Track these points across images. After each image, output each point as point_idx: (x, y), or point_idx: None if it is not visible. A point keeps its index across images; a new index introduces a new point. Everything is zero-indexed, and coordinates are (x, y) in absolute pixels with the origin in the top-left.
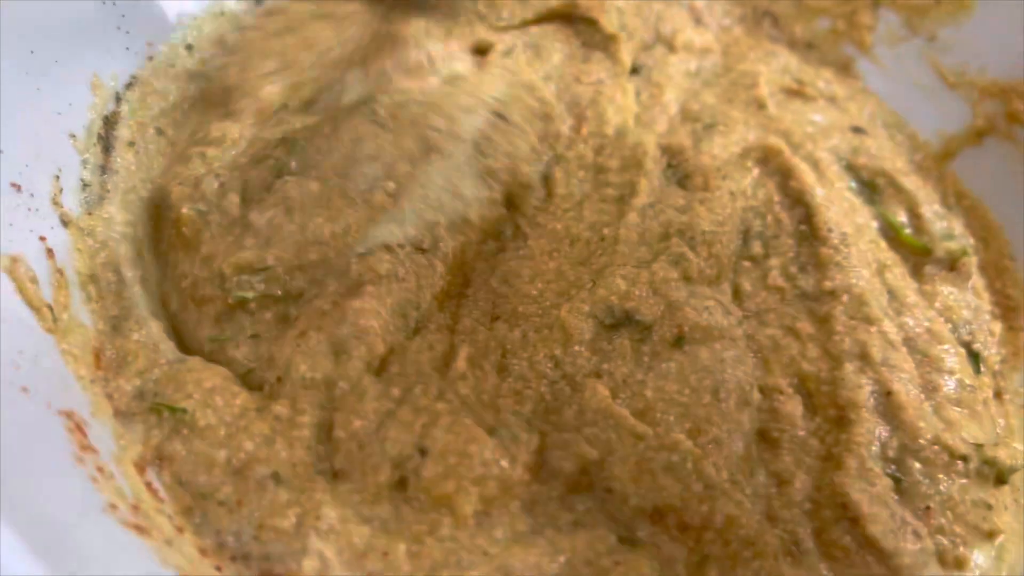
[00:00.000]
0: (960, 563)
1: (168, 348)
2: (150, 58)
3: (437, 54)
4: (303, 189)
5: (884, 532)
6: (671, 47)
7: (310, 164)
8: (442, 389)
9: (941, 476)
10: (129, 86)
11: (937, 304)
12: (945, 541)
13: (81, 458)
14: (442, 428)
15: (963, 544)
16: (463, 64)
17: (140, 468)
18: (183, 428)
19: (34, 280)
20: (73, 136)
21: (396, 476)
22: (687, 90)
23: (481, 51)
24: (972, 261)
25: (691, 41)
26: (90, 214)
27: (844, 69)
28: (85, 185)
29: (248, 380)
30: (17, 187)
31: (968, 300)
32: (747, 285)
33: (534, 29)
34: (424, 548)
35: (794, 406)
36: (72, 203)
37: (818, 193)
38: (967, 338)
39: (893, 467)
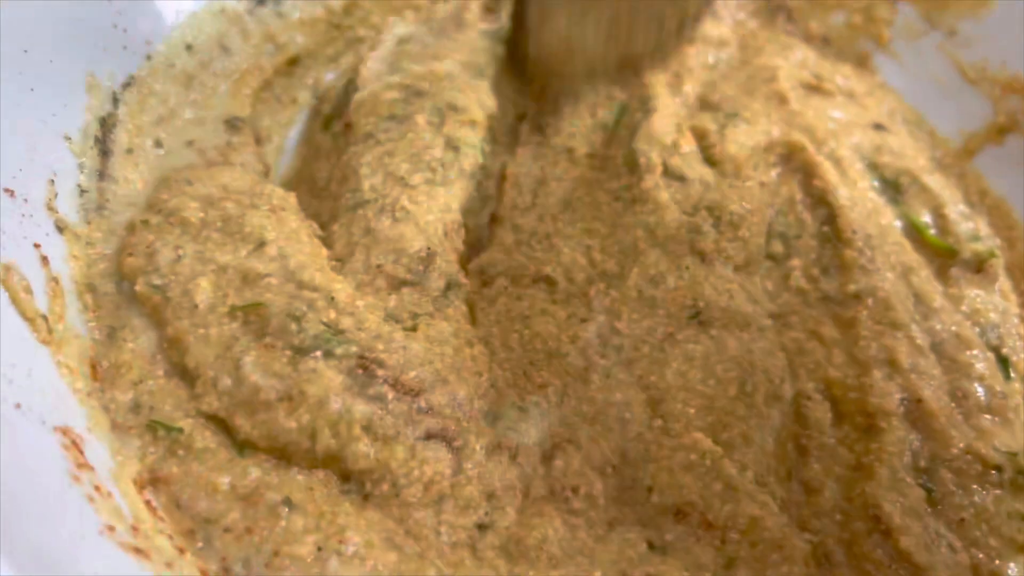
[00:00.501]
0: None
1: (164, 359)
2: (148, 57)
3: None
4: None
5: (917, 545)
6: (689, 39)
7: None
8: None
9: (975, 487)
10: (127, 86)
11: (964, 308)
12: (980, 555)
13: (78, 476)
14: None
15: (999, 557)
16: None
17: (139, 485)
18: (179, 449)
19: (28, 289)
20: (68, 138)
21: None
22: (706, 82)
23: None
24: (999, 263)
25: (708, 33)
26: (89, 223)
27: (861, 64)
28: (83, 191)
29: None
30: (11, 192)
31: (996, 303)
32: (769, 285)
33: None
34: (455, 573)
35: (823, 412)
36: (68, 208)
37: (841, 193)
38: (995, 342)
39: (925, 478)
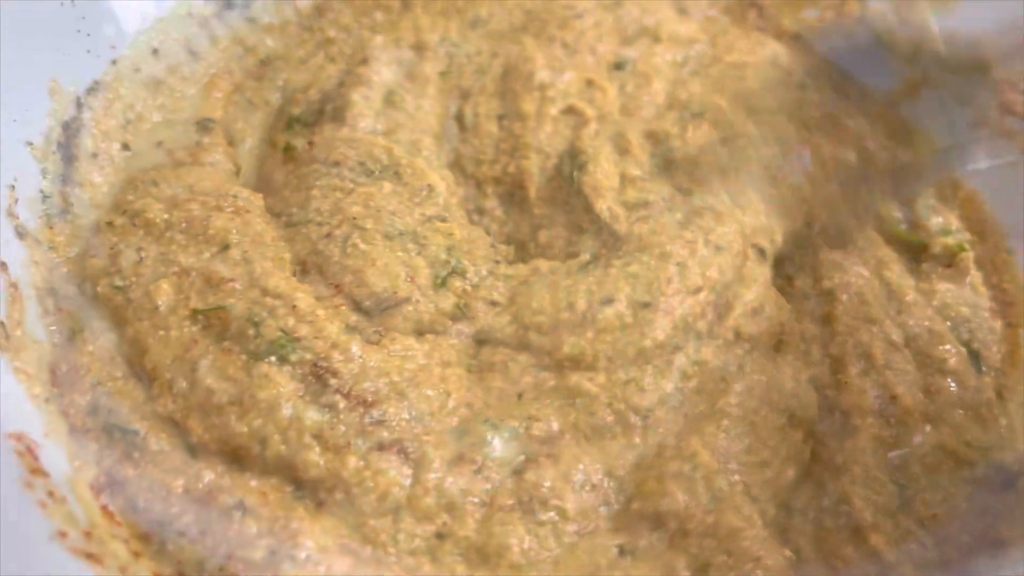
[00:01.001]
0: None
1: (123, 360)
2: (113, 62)
3: None
4: None
5: (887, 543)
6: (656, 38)
7: None
8: None
9: (946, 483)
10: (91, 91)
11: (935, 302)
12: (951, 551)
13: (30, 483)
14: None
15: (970, 553)
16: None
17: (96, 489)
18: (135, 451)
19: None
20: (30, 144)
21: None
22: (674, 80)
23: None
24: (969, 257)
25: (676, 32)
26: (51, 227)
27: None
28: (45, 196)
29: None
30: None
31: (966, 297)
32: None
33: None
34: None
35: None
36: (29, 214)
37: None
38: (966, 337)
39: (898, 474)
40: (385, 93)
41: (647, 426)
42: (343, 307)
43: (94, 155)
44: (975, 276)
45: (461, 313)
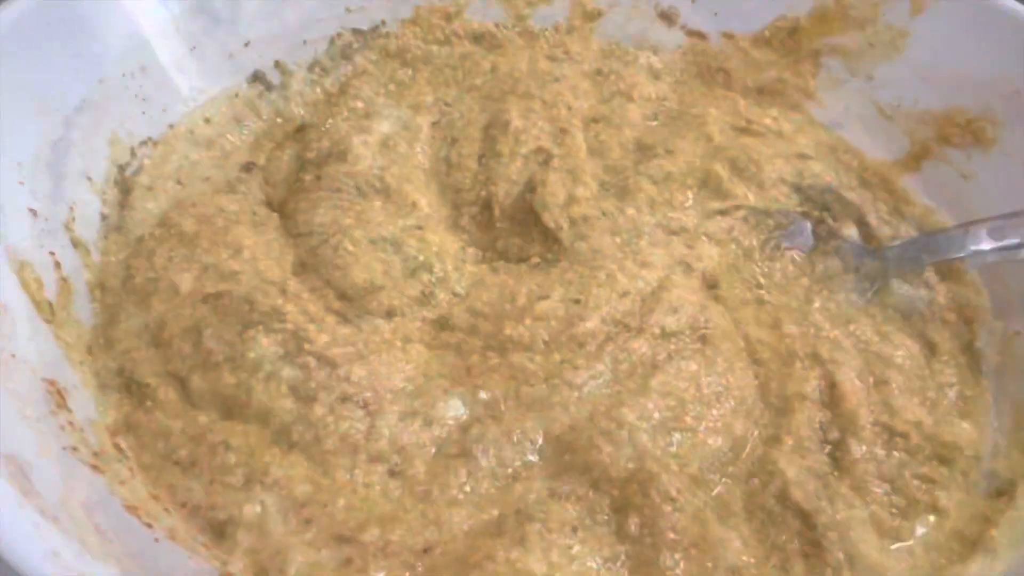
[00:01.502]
0: (898, 533)
1: (148, 335)
2: (171, 126)
3: None
4: None
5: (806, 495)
6: (629, 98)
7: None
8: None
9: (880, 452)
10: (144, 143)
11: (891, 300)
12: (882, 512)
13: (55, 412)
14: None
15: (902, 516)
16: None
17: (112, 433)
18: (147, 400)
19: (38, 281)
20: (90, 179)
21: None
22: (644, 129)
23: None
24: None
25: (648, 92)
26: (107, 238)
27: (793, 109)
28: (104, 216)
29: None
30: (34, 212)
31: (921, 294)
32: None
33: None
34: (365, 505)
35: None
36: (86, 230)
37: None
38: (921, 327)
39: (831, 447)
40: (382, 139)
41: (580, 398)
42: (330, 295)
43: (149, 188)
44: (931, 275)
45: (426, 300)
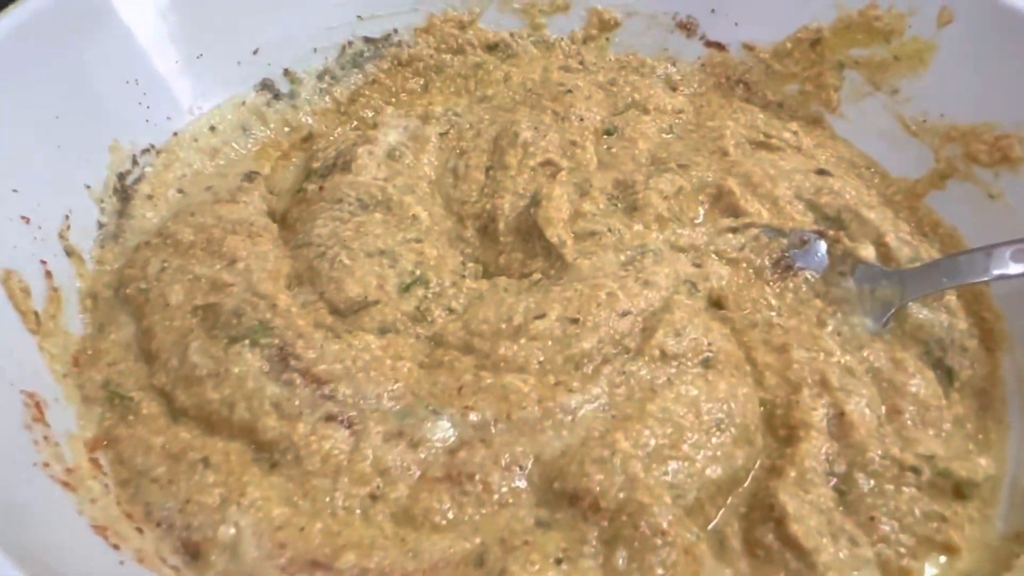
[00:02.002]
0: (906, 574)
1: (136, 346)
2: (175, 133)
3: None
4: None
5: (807, 532)
6: (645, 110)
7: None
8: None
9: (889, 488)
10: (146, 152)
11: (907, 326)
12: (889, 551)
13: (30, 426)
14: None
15: (911, 556)
16: None
17: (91, 447)
18: (129, 415)
19: (26, 291)
20: (88, 186)
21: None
22: (659, 143)
23: None
24: None
25: (664, 104)
26: (103, 247)
27: (814, 123)
28: (101, 225)
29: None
30: (26, 220)
31: (941, 319)
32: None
33: None
34: (343, 530)
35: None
36: (81, 238)
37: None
38: (939, 354)
39: (837, 480)
40: (388, 150)
41: (574, 422)
42: (322, 309)
43: (149, 196)
44: (952, 299)
45: (421, 316)
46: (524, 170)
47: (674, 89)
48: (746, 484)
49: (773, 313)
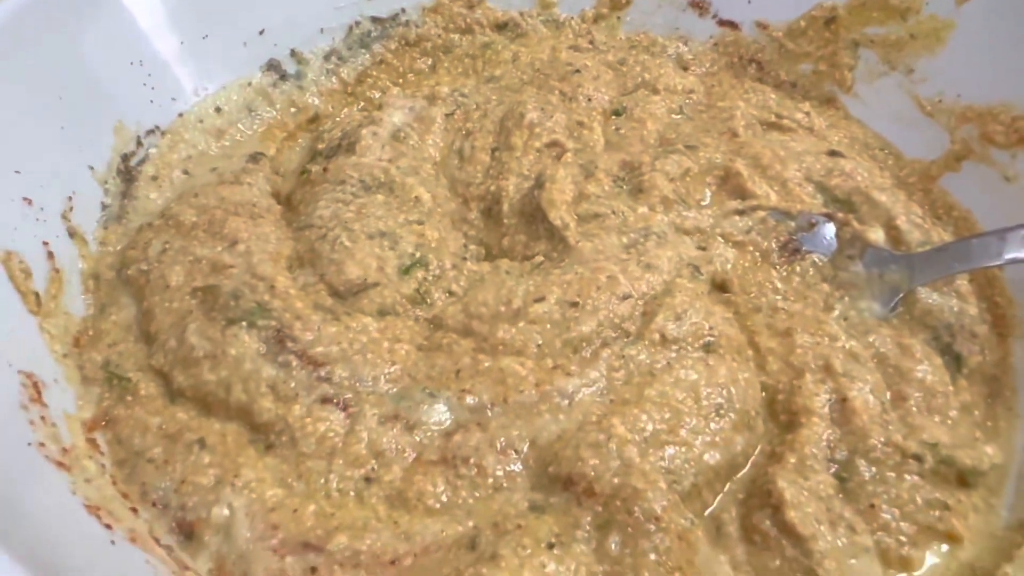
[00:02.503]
0: (906, 563)
1: (137, 328)
2: (180, 115)
3: None
4: None
5: (804, 518)
6: (654, 89)
7: None
8: None
9: (891, 475)
10: (151, 133)
11: (916, 311)
12: (889, 539)
13: (27, 406)
14: None
15: (912, 545)
16: None
17: (89, 428)
18: (127, 395)
19: (26, 271)
20: (92, 167)
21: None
22: (668, 124)
23: None
24: None
25: (674, 84)
26: (106, 228)
27: (828, 103)
28: (105, 206)
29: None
30: (28, 201)
31: (951, 304)
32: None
33: None
34: (336, 512)
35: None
36: (84, 220)
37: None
38: (947, 340)
39: (837, 467)
40: (393, 131)
41: (571, 406)
42: (322, 291)
43: (154, 178)
44: (963, 284)
45: (421, 298)
46: (530, 151)
47: (685, 69)
48: (745, 470)
49: (778, 297)
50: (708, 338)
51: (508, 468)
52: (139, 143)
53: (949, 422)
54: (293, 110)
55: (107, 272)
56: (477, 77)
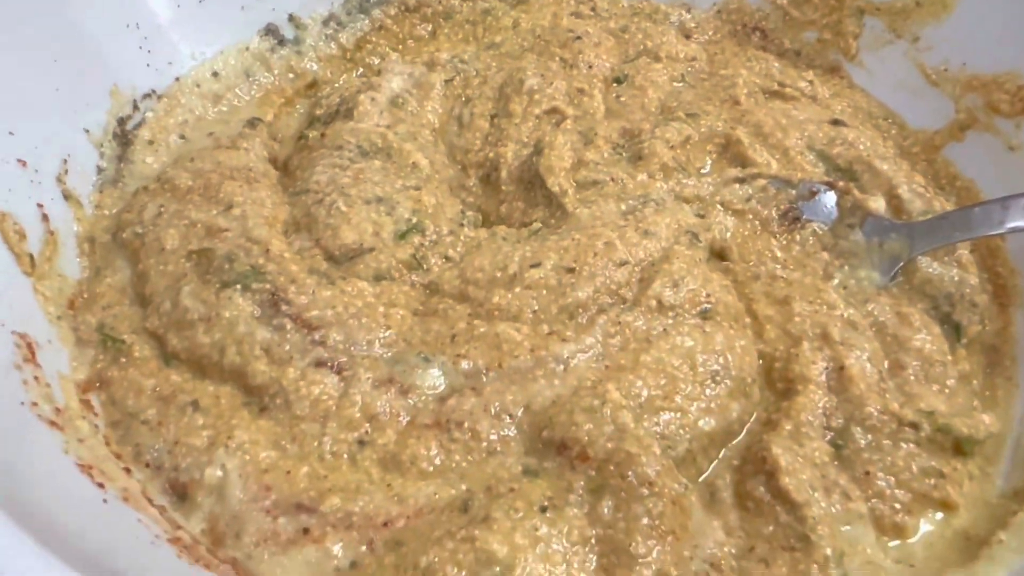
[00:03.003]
0: (900, 530)
1: (131, 291)
2: (177, 79)
3: None
4: None
5: (798, 484)
6: (656, 57)
7: None
8: None
9: (887, 443)
10: (147, 96)
11: (916, 280)
12: (884, 507)
13: (20, 366)
14: None
15: (906, 512)
16: None
17: (84, 389)
18: (122, 357)
19: (20, 233)
20: (87, 131)
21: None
22: (670, 92)
23: None
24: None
25: (676, 52)
26: (102, 192)
27: (831, 72)
28: (100, 170)
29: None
30: (23, 163)
31: (951, 273)
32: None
33: None
34: (330, 474)
35: None
36: (80, 183)
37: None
38: (947, 309)
39: (833, 435)
40: (391, 97)
41: (566, 371)
42: (318, 256)
43: (150, 142)
44: (964, 254)
45: (417, 264)
46: (529, 118)
47: (688, 36)
48: (740, 437)
49: (777, 266)
50: (705, 305)
51: (502, 433)
52: (135, 107)
53: (947, 391)
54: (291, 76)
55: (102, 235)
56: (477, 43)
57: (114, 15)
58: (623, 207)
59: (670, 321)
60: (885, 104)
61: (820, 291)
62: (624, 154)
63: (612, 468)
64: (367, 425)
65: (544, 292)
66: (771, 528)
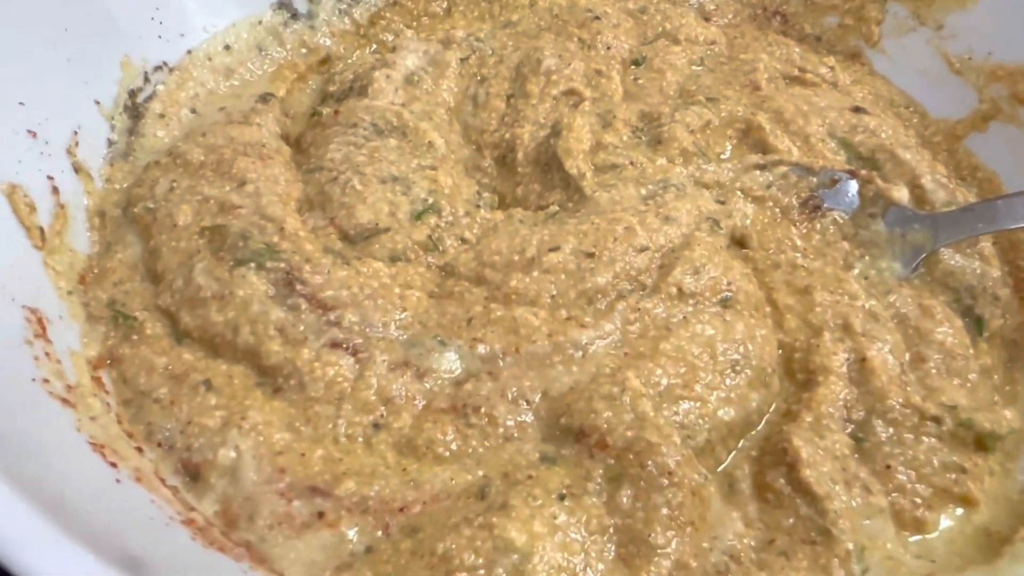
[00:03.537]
0: (920, 525)
1: (143, 267)
2: (189, 52)
3: None
4: None
5: (819, 477)
6: (675, 40)
7: None
8: None
9: (908, 437)
10: (159, 68)
11: (937, 272)
12: (904, 501)
13: (31, 342)
14: None
15: (927, 507)
16: None
17: (95, 366)
18: (133, 334)
19: (31, 206)
20: (98, 102)
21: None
22: (689, 75)
23: None
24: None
25: (695, 34)
26: (112, 165)
27: (853, 58)
28: (111, 143)
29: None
30: (33, 134)
31: (973, 266)
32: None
33: None
34: (344, 457)
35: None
36: (90, 155)
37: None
38: (969, 302)
39: (854, 427)
40: (406, 75)
41: (585, 358)
42: (332, 235)
43: (161, 115)
44: (987, 247)
45: (433, 245)
46: (546, 99)
47: (707, 19)
48: (760, 427)
49: (798, 254)
50: (726, 293)
51: (519, 418)
52: (146, 79)
53: (968, 385)
54: (304, 51)
55: (113, 210)
56: (493, 22)
57: None
58: (643, 192)
59: (690, 309)
60: (906, 92)
61: (841, 281)
62: (643, 138)
63: (631, 457)
64: (382, 408)
65: (563, 277)
66: (791, 521)
